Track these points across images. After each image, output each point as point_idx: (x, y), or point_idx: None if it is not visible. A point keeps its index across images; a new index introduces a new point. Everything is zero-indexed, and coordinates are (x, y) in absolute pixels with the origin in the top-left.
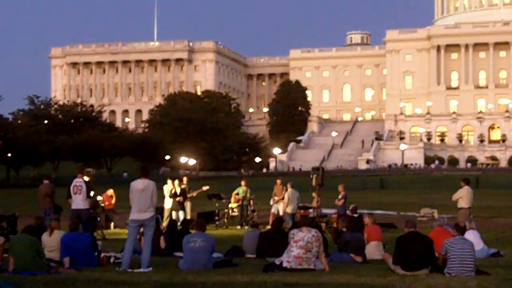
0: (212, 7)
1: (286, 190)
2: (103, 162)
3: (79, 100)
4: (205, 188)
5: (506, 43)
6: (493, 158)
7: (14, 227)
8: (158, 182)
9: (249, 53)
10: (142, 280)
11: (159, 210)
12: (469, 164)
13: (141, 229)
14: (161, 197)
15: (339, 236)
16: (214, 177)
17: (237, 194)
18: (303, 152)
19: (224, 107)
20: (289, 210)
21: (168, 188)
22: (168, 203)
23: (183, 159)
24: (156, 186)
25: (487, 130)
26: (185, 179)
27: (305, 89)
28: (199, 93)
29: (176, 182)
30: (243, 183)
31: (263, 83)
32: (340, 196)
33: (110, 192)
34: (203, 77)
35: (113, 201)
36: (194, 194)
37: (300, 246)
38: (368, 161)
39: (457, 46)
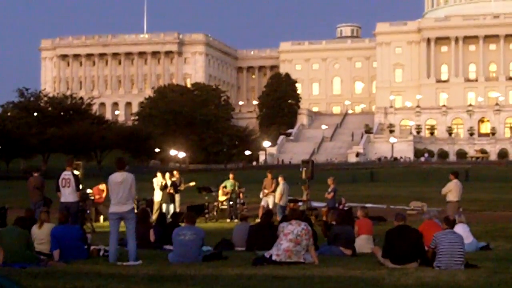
0: None
1: (277, 183)
2: (93, 155)
3: (69, 93)
4: (192, 184)
5: (496, 36)
6: (483, 151)
7: (4, 219)
8: (148, 174)
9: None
10: (132, 273)
11: (149, 203)
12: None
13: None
14: (151, 190)
15: (328, 229)
16: (204, 170)
17: (225, 187)
18: (292, 145)
19: (214, 99)
20: (282, 202)
21: (157, 181)
22: (157, 196)
23: (172, 152)
24: (147, 179)
25: (477, 123)
26: (175, 172)
27: (295, 81)
28: (189, 86)
29: (167, 174)
30: (231, 176)
31: (253, 76)
32: (329, 189)
33: (102, 186)
34: (193, 70)
35: (104, 195)
36: (182, 187)
37: (290, 239)
38: (358, 154)
39: (447, 39)
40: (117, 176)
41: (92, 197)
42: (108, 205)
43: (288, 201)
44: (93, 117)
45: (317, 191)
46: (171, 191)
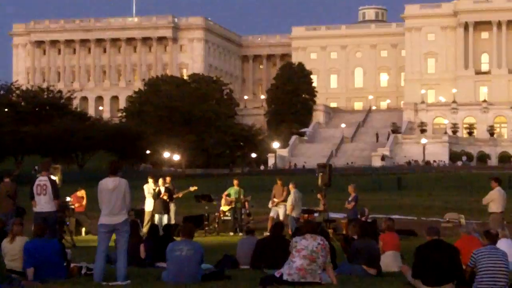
0: None
1: (288, 191)
2: (74, 157)
3: (45, 85)
4: (192, 188)
5: None
6: None
7: None
8: (137, 180)
9: (244, 31)
10: None
11: (139, 213)
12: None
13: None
14: (142, 198)
15: (349, 244)
16: (203, 175)
17: (228, 195)
18: (307, 146)
19: (214, 93)
20: (294, 214)
21: (149, 187)
22: (149, 205)
23: (166, 154)
24: (137, 185)
25: None
26: (168, 178)
27: (310, 73)
28: (185, 77)
29: (160, 180)
30: (235, 182)
31: (261, 66)
32: (350, 198)
33: (81, 192)
34: (190, 59)
35: (84, 202)
36: (180, 194)
37: (304, 256)
38: (383, 157)
39: (488, 23)
40: (109, 182)
41: (72, 206)
42: (90, 215)
43: (302, 212)
44: (74, 113)
45: (335, 200)
46: (165, 197)
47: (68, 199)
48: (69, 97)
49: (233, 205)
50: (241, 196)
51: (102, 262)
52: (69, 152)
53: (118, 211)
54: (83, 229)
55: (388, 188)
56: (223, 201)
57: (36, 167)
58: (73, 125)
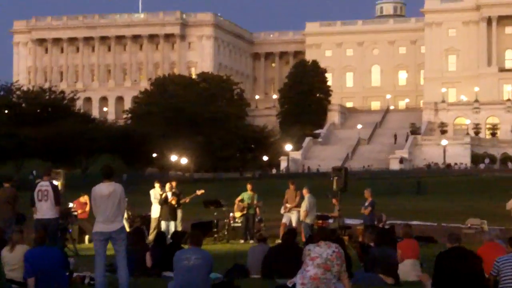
0: None
1: (301, 196)
2: (77, 161)
3: (47, 85)
4: (199, 192)
5: None
6: None
7: None
8: (143, 185)
9: (256, 28)
10: None
11: (145, 220)
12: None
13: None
14: (148, 204)
15: (365, 252)
16: (212, 180)
17: (242, 200)
18: (321, 148)
19: (224, 93)
20: (308, 220)
21: (155, 193)
22: (155, 211)
23: (173, 158)
24: (142, 190)
25: None
26: (173, 183)
27: (325, 71)
28: (193, 77)
29: (168, 185)
30: (248, 186)
31: (273, 64)
32: (366, 203)
33: (84, 198)
34: (199, 57)
35: (87, 208)
36: (187, 200)
37: (318, 264)
38: (401, 160)
39: None
40: (103, 188)
41: (75, 213)
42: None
43: (316, 218)
44: (77, 115)
45: (351, 206)
46: (173, 202)
47: (70, 205)
48: (72, 98)
49: (245, 211)
50: (254, 202)
51: (103, 271)
52: (72, 156)
53: (114, 218)
54: (87, 237)
55: (406, 192)
56: (236, 207)
57: (34, 172)
58: (76, 128)
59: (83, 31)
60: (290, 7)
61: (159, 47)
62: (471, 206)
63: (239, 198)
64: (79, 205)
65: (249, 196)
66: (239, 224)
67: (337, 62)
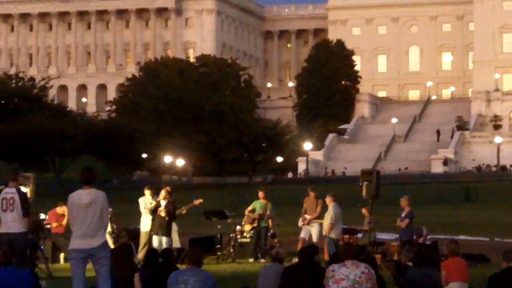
0: None
1: (322, 205)
2: (50, 164)
3: (13, 71)
4: (197, 201)
5: None
6: None
7: None
8: (131, 192)
9: (268, 1)
10: None
11: (132, 234)
12: None
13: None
14: (137, 215)
15: (402, 273)
16: (214, 186)
17: (253, 211)
18: (348, 147)
19: (229, 81)
20: (333, 234)
21: (145, 201)
22: (145, 224)
23: (167, 159)
24: (130, 198)
25: None
26: (168, 188)
27: (352, 53)
28: (192, 60)
29: (163, 192)
30: (260, 194)
31: (288, 45)
32: (403, 214)
33: (62, 209)
34: (199, 36)
35: (64, 221)
36: (184, 210)
37: None
38: (446, 162)
39: None
40: (83, 196)
41: (48, 226)
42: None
43: (342, 232)
44: (50, 106)
45: (384, 217)
46: (163, 214)
47: (42, 216)
48: (43, 86)
49: (256, 224)
50: (268, 212)
51: None
52: (44, 157)
53: (95, 232)
54: (62, 255)
55: (452, 201)
56: (245, 219)
57: None
58: (48, 122)
59: (57, 4)
60: None
61: (149, 24)
62: None
63: (250, 208)
64: (54, 217)
65: (261, 206)
66: (248, 240)
67: (366, 42)
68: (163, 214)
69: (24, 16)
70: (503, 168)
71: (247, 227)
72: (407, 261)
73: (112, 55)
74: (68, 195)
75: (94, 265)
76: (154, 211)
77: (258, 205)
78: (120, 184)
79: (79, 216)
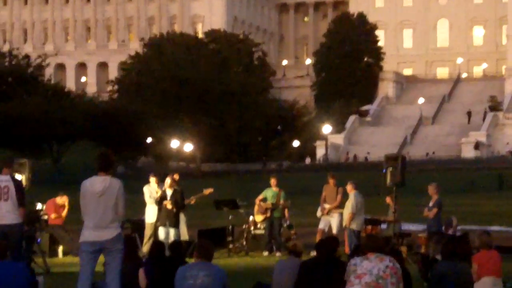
0: None
1: (343, 193)
2: (46, 149)
3: (6, 48)
4: (207, 191)
5: None
6: None
7: None
8: (135, 180)
9: None
10: None
11: (137, 225)
12: None
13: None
14: (141, 205)
15: (429, 267)
16: (226, 173)
17: (264, 200)
18: (371, 131)
19: (241, 58)
20: (354, 225)
21: (151, 190)
22: (150, 214)
23: (174, 144)
24: (134, 187)
25: None
26: (175, 176)
27: (375, 27)
28: (200, 36)
29: (168, 180)
30: (272, 181)
31: (305, 19)
32: (431, 203)
33: (62, 199)
34: (207, 10)
35: (64, 212)
36: (193, 200)
37: (366, 283)
38: (477, 145)
39: None
40: (97, 183)
41: (46, 217)
42: (70, 230)
43: (364, 223)
44: (46, 87)
45: (410, 206)
46: (169, 205)
47: (39, 206)
48: (39, 65)
49: (268, 214)
50: (281, 201)
51: None
52: (40, 142)
53: (108, 223)
54: (61, 249)
55: (484, 188)
56: (256, 208)
57: None
58: (45, 104)
59: None
60: None
61: None
62: None
63: (261, 196)
64: (53, 207)
65: (273, 194)
66: (262, 231)
67: (391, 15)
68: (169, 206)
69: None
70: None
71: (259, 218)
72: (435, 254)
73: (114, 31)
74: (65, 184)
75: (106, 258)
76: (160, 202)
77: (270, 193)
78: (123, 172)
79: (91, 205)
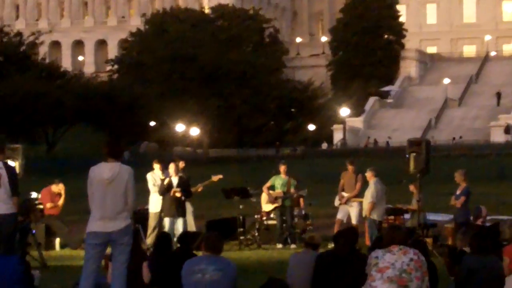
0: None
1: (362, 180)
2: (41, 133)
3: None
4: (215, 178)
5: None
6: None
7: None
8: (137, 167)
9: None
10: None
11: (140, 216)
12: None
13: (108, 251)
14: (144, 193)
15: (457, 261)
16: (235, 159)
17: (272, 188)
18: (392, 113)
19: (251, 35)
20: (375, 215)
21: (155, 177)
22: (155, 203)
23: (179, 128)
24: (136, 174)
25: None
26: (181, 163)
27: (396, 1)
28: (207, 11)
29: (172, 166)
30: (282, 168)
31: None
32: (458, 191)
33: (58, 187)
34: None
35: (60, 201)
36: (199, 188)
37: (390, 278)
38: (508, 129)
39: None
40: (105, 170)
41: (41, 207)
42: (68, 221)
43: (386, 212)
44: (41, 67)
45: (435, 195)
46: (178, 194)
47: (34, 195)
48: (32, 43)
49: (279, 203)
50: (292, 190)
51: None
52: (34, 126)
53: (116, 213)
54: (57, 241)
55: None
56: (263, 197)
57: None
58: (38, 85)
59: None
60: None
61: None
62: None
63: (268, 184)
64: (48, 196)
65: (283, 182)
66: (275, 222)
67: None
68: (178, 194)
69: None
70: None
71: (267, 207)
72: (463, 246)
73: (113, 6)
74: (61, 170)
75: (114, 251)
76: (167, 189)
77: (279, 181)
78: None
79: (98, 193)
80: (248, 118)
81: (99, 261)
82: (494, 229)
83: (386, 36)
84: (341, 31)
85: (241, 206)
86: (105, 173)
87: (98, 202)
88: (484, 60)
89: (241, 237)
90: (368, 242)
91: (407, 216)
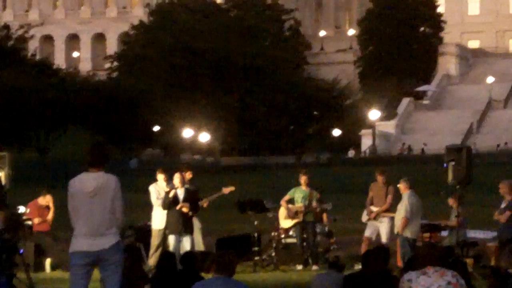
0: None
1: (396, 193)
2: (32, 138)
3: None
4: (227, 190)
5: None
6: None
7: None
8: (138, 178)
9: None
10: None
11: (142, 234)
12: None
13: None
14: (147, 207)
15: (502, 284)
16: (251, 168)
17: (291, 201)
18: (428, 116)
19: (270, 27)
20: (408, 233)
21: (158, 189)
22: (158, 219)
23: (187, 133)
24: (138, 186)
25: None
26: (187, 173)
27: None
28: (219, 1)
29: (177, 176)
30: (303, 179)
31: None
32: (503, 205)
33: (46, 199)
34: None
35: (49, 216)
36: (205, 203)
37: None
38: None
39: None
40: (87, 181)
41: (29, 222)
42: (59, 238)
43: (421, 230)
44: (32, 63)
45: (478, 208)
46: (185, 209)
47: (22, 209)
48: (22, 37)
49: (299, 219)
50: (314, 203)
51: None
52: (23, 130)
53: (104, 229)
54: (48, 261)
55: None
56: (281, 212)
57: None
58: (29, 84)
59: None
60: None
61: None
62: None
63: (287, 197)
64: (36, 210)
65: (304, 195)
66: (295, 240)
67: None
68: (185, 210)
69: None
70: None
71: (286, 223)
72: (508, 268)
73: None
74: (54, 182)
75: (102, 273)
76: (172, 203)
77: (300, 194)
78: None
79: (83, 207)
80: (265, 121)
81: (86, 283)
82: None
83: (422, 28)
84: (372, 23)
85: (256, 222)
86: (87, 184)
87: (83, 217)
88: None
89: (256, 258)
90: (400, 263)
91: (444, 233)
